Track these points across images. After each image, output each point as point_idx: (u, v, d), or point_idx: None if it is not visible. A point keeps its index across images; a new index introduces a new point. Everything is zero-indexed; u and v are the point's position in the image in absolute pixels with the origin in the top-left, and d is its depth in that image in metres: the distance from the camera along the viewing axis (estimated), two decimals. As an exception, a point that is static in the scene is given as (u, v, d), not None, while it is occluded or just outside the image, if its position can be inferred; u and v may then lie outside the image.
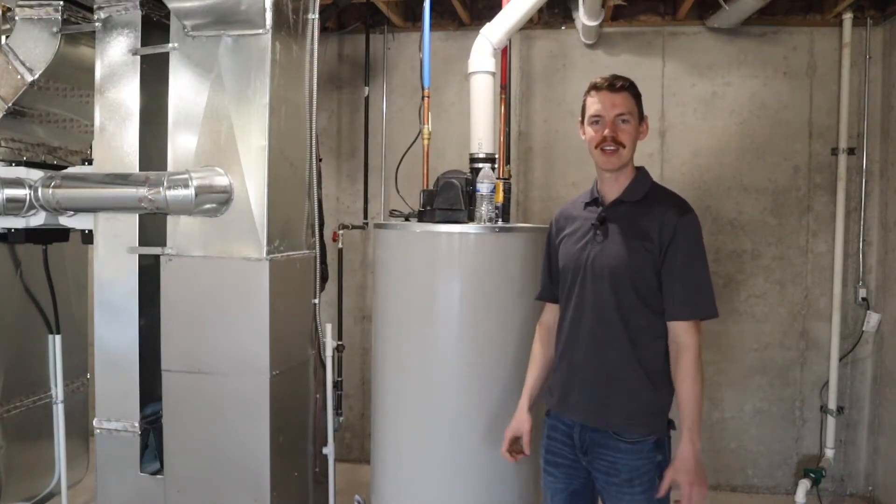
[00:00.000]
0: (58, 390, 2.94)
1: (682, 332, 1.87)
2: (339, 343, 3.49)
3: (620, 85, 1.88)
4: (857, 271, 3.82)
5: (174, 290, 2.36)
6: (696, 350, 1.91)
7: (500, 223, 2.59)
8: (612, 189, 1.94)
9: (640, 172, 1.97)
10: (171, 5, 2.25)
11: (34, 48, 2.53)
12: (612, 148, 1.86)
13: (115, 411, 2.47)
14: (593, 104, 1.90)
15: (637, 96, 1.91)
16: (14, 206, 2.44)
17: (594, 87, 1.91)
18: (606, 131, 1.86)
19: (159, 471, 2.47)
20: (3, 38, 2.61)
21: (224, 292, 2.32)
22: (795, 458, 3.92)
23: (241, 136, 2.29)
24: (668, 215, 1.86)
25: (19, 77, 2.52)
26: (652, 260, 1.84)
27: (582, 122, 1.96)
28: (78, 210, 2.49)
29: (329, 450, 2.64)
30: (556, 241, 2.05)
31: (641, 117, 1.92)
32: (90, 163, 2.53)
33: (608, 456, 1.88)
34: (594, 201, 1.98)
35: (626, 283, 1.85)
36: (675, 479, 1.79)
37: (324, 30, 4.02)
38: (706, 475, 1.82)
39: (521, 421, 2.09)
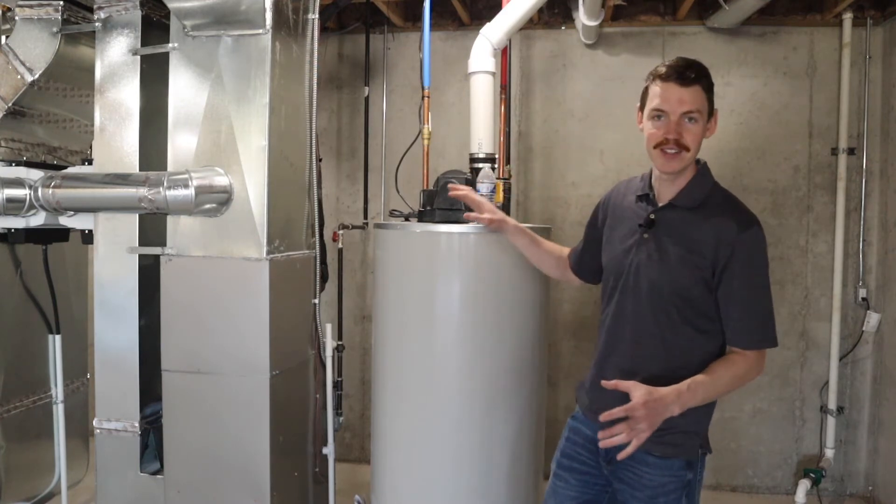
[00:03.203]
0: (58, 390, 2.94)
1: (742, 356, 1.69)
2: (339, 343, 3.49)
3: (693, 76, 1.64)
4: (857, 271, 3.82)
5: (174, 290, 2.36)
6: (749, 370, 1.68)
7: (500, 223, 2.58)
8: (668, 189, 1.74)
9: (700, 172, 1.75)
10: (171, 5, 2.25)
11: (34, 48, 2.52)
12: (674, 151, 1.65)
13: (115, 411, 2.47)
14: (657, 96, 1.66)
15: (709, 89, 1.68)
16: (14, 206, 2.44)
17: (659, 76, 1.68)
18: (670, 134, 1.65)
19: (159, 471, 2.47)
20: (3, 38, 2.61)
21: (224, 292, 2.32)
22: (795, 458, 3.92)
23: (241, 136, 2.29)
24: (727, 229, 1.64)
25: (19, 77, 2.52)
26: (702, 277, 1.64)
27: (641, 109, 1.73)
28: (78, 210, 2.49)
29: (329, 450, 2.64)
30: (601, 228, 1.89)
31: (711, 112, 1.70)
32: (90, 163, 2.53)
33: (635, 468, 1.73)
34: (646, 196, 1.77)
35: (669, 299, 1.67)
36: (638, 404, 1.54)
37: (324, 30, 4.02)
38: (655, 425, 1.58)
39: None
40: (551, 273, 2.19)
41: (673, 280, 1.67)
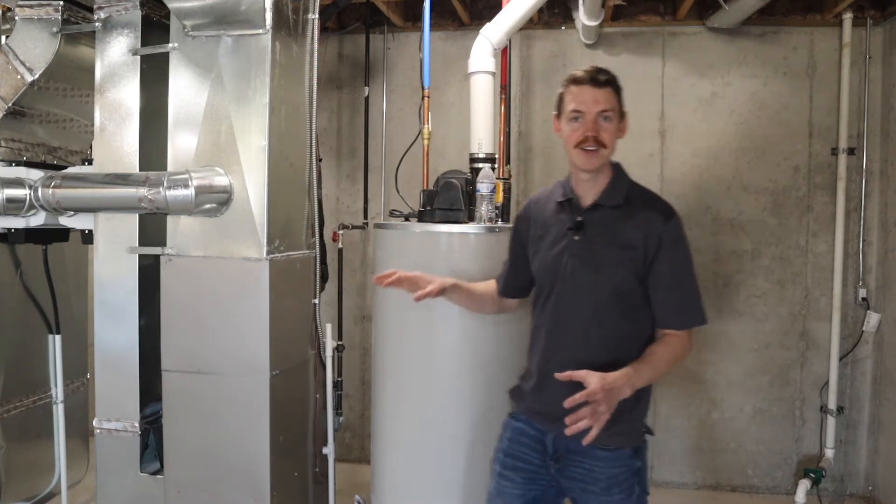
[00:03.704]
0: (58, 390, 2.94)
1: (676, 336, 1.79)
2: (339, 343, 3.49)
3: (605, 79, 1.76)
4: (857, 271, 3.82)
5: (174, 290, 2.36)
6: (682, 349, 1.79)
7: (500, 223, 2.59)
8: (590, 191, 1.83)
9: (617, 172, 1.86)
10: (171, 5, 2.25)
11: (34, 48, 2.52)
12: (593, 148, 1.75)
13: (115, 411, 2.47)
14: (573, 99, 1.77)
15: (619, 91, 1.79)
16: (14, 206, 2.44)
17: (574, 81, 1.78)
18: (589, 131, 1.75)
19: (159, 471, 2.47)
20: (3, 38, 2.61)
21: (224, 292, 2.32)
22: (795, 458, 3.92)
23: (241, 136, 2.29)
24: (653, 222, 1.76)
25: (19, 77, 2.52)
26: (635, 269, 1.75)
27: (558, 116, 1.84)
28: (78, 210, 2.49)
29: (329, 450, 2.64)
30: (527, 241, 1.95)
31: (622, 114, 1.81)
32: (90, 163, 2.53)
33: (584, 463, 1.80)
34: (568, 202, 1.86)
35: (608, 296, 1.76)
36: (597, 388, 1.60)
37: (324, 30, 4.02)
38: (613, 407, 1.64)
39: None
40: (492, 310, 2.15)
41: (608, 277, 1.77)
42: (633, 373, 1.68)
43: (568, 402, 1.61)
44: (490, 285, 2.11)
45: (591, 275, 1.77)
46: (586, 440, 1.61)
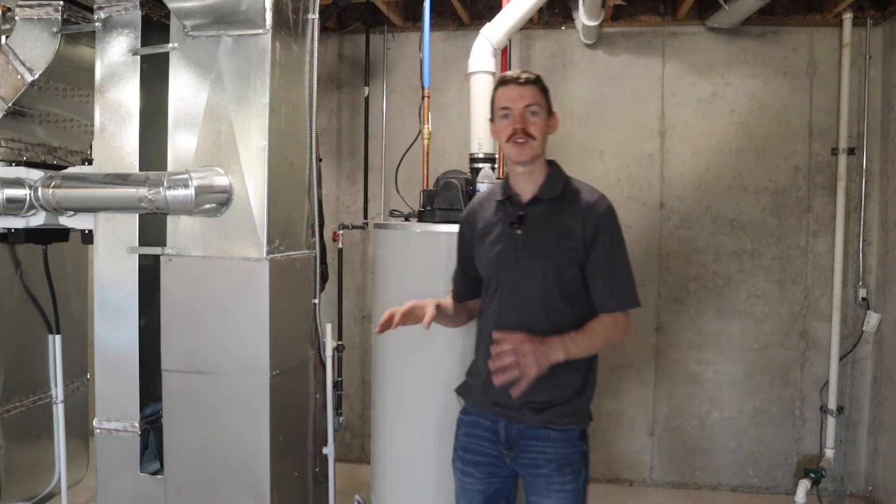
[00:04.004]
0: (58, 390, 2.94)
1: (612, 316, 1.87)
2: (339, 343, 3.49)
3: (527, 78, 1.88)
4: (857, 271, 3.82)
5: (174, 290, 2.36)
6: (618, 329, 1.86)
7: (500, 223, 2.58)
8: (528, 186, 1.92)
9: (554, 167, 1.96)
10: (171, 5, 2.25)
11: (34, 48, 2.52)
12: (522, 140, 1.85)
13: (115, 411, 2.47)
14: (502, 98, 1.89)
15: (544, 90, 1.91)
16: (14, 206, 2.44)
17: (502, 82, 1.91)
18: (517, 124, 1.84)
19: (159, 471, 2.47)
20: (3, 38, 2.61)
21: (224, 292, 2.32)
22: (795, 458, 3.92)
23: (241, 136, 2.29)
24: (589, 210, 1.86)
25: (19, 77, 2.52)
26: (576, 257, 1.85)
27: (493, 119, 1.94)
28: (78, 210, 2.48)
29: (329, 450, 2.63)
30: (472, 242, 2.01)
31: (550, 111, 1.92)
32: (90, 163, 2.53)
33: (537, 446, 1.87)
34: (508, 199, 1.95)
35: (552, 283, 1.85)
36: (522, 338, 1.70)
37: (324, 30, 4.02)
38: (543, 368, 1.70)
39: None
40: (464, 319, 2.15)
41: (550, 264, 1.85)
42: (569, 339, 1.77)
43: (494, 349, 1.69)
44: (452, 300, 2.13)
45: (534, 263, 1.86)
46: (515, 391, 1.69)
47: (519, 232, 1.89)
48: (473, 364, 2.04)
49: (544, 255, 1.86)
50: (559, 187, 1.91)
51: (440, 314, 1.97)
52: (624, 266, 1.88)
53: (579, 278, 1.86)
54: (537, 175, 1.92)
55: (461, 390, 2.06)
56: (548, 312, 1.85)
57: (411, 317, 1.90)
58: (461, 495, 2.00)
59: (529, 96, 1.86)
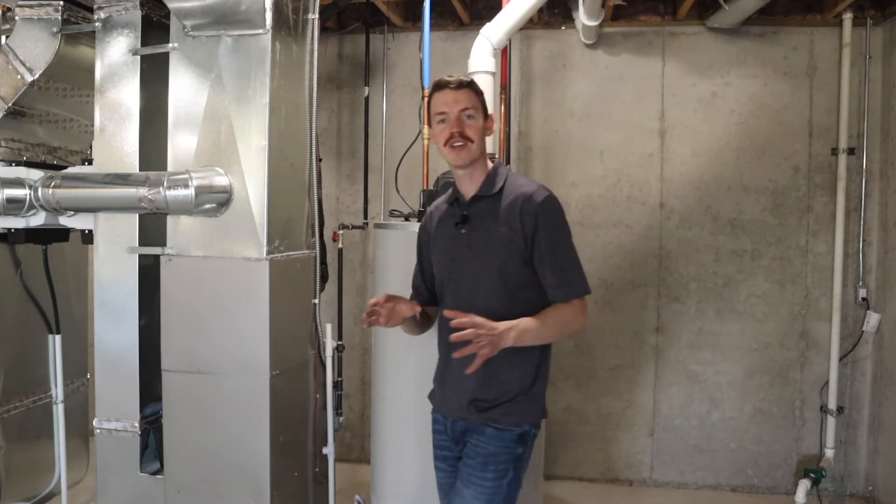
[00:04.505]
0: (58, 390, 2.94)
1: (567, 304, 1.88)
2: (339, 343, 3.49)
3: (460, 82, 1.90)
4: (857, 271, 3.82)
5: (174, 290, 2.36)
6: (572, 317, 1.87)
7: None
8: (470, 187, 1.95)
9: (496, 166, 1.98)
10: (171, 5, 2.25)
11: (34, 48, 2.52)
12: (460, 143, 1.87)
13: (115, 411, 2.47)
14: (437, 103, 1.91)
15: (479, 93, 1.93)
16: (14, 206, 2.44)
17: (436, 87, 1.92)
18: (454, 128, 1.86)
19: (159, 471, 2.47)
20: (3, 38, 2.61)
21: (224, 292, 2.32)
22: (795, 458, 3.92)
23: (241, 136, 2.29)
24: (527, 203, 1.87)
25: (19, 77, 2.52)
26: (518, 251, 1.86)
27: (430, 124, 1.96)
28: (78, 210, 2.49)
29: (329, 450, 2.63)
30: (428, 244, 2.07)
31: (486, 114, 1.95)
32: (90, 163, 2.53)
33: (473, 440, 1.92)
34: (455, 201, 1.99)
35: (496, 279, 1.87)
36: (478, 319, 1.71)
37: (324, 30, 4.02)
38: (497, 348, 1.73)
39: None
40: (428, 327, 2.16)
41: (494, 262, 1.88)
42: (521, 324, 1.78)
43: (454, 323, 1.72)
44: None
45: (478, 261, 1.89)
46: (469, 369, 1.72)
47: (463, 231, 1.93)
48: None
49: (486, 252, 1.89)
50: (499, 184, 1.93)
51: (408, 320, 2.00)
52: (568, 255, 1.89)
53: (526, 273, 1.87)
54: (478, 175, 1.94)
55: (430, 394, 2.11)
56: (494, 309, 1.84)
57: (393, 316, 1.92)
58: (439, 489, 2.08)
59: (465, 100, 1.88)
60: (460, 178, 1.96)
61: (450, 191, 2.06)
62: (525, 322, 1.79)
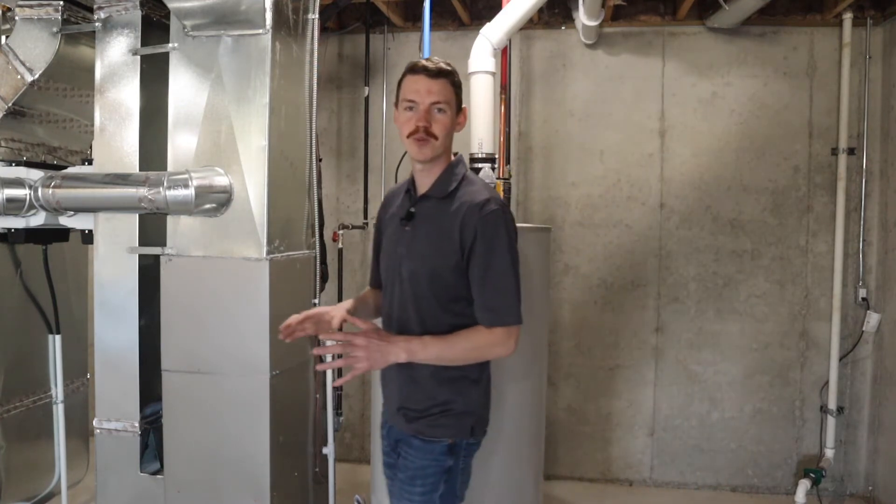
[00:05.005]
0: (58, 390, 2.94)
1: (487, 329, 1.74)
2: (339, 343, 3.48)
3: (440, 71, 1.74)
4: (857, 271, 3.82)
5: (174, 290, 2.36)
6: (489, 343, 1.71)
7: (500, 223, 2.58)
8: (424, 181, 1.82)
9: (453, 163, 1.83)
10: (171, 5, 2.25)
11: (34, 48, 2.52)
12: (423, 138, 1.73)
13: (115, 411, 2.47)
14: (409, 88, 1.76)
15: (457, 85, 1.78)
16: (14, 206, 2.44)
17: (412, 70, 1.77)
18: (420, 122, 1.73)
19: (159, 471, 2.47)
20: (3, 38, 2.61)
21: (224, 292, 2.32)
22: (795, 458, 3.92)
23: (241, 136, 2.29)
24: (470, 214, 1.71)
25: (19, 77, 2.52)
26: (454, 262, 1.72)
27: (397, 104, 1.81)
28: (78, 210, 2.49)
29: (329, 450, 2.63)
30: (382, 228, 1.95)
31: (459, 108, 1.80)
32: (90, 163, 2.53)
33: (403, 451, 1.83)
34: (408, 193, 1.87)
35: (426, 287, 1.74)
36: (358, 334, 1.64)
37: (324, 30, 4.02)
38: (378, 366, 1.67)
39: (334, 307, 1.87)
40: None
41: (427, 267, 1.75)
42: (418, 342, 1.67)
43: (323, 336, 1.67)
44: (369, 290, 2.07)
45: (413, 264, 1.77)
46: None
47: (407, 229, 1.81)
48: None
49: (422, 257, 1.76)
50: (451, 185, 1.78)
51: (361, 308, 1.90)
52: (503, 277, 1.70)
53: (461, 286, 1.73)
54: (435, 171, 1.81)
55: None
56: (421, 317, 1.75)
57: (321, 324, 1.80)
58: (390, 496, 1.97)
59: (438, 92, 1.73)
60: (418, 171, 1.83)
61: (410, 178, 1.92)
62: (425, 340, 1.68)
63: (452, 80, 1.77)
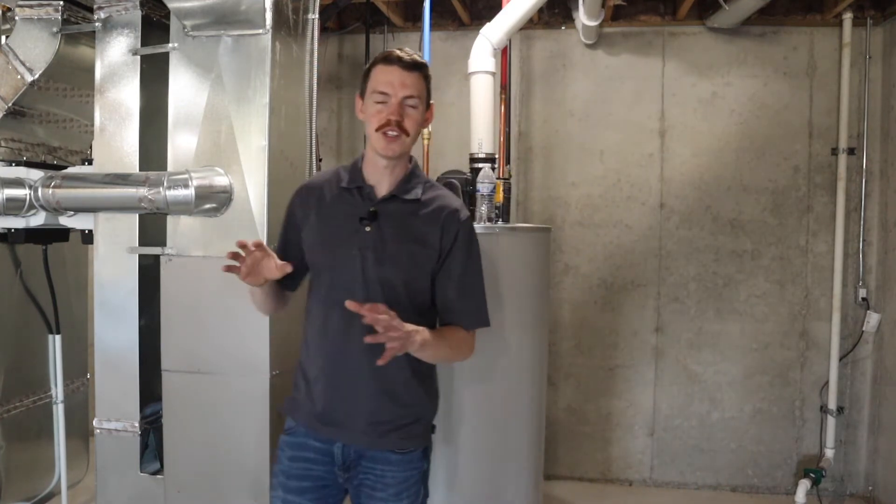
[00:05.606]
0: (58, 390, 2.94)
1: (459, 330, 1.75)
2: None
3: (414, 63, 1.67)
4: (857, 271, 3.82)
5: (174, 290, 2.36)
6: (466, 346, 1.75)
7: (500, 223, 2.59)
8: (385, 180, 1.72)
9: (416, 166, 1.78)
10: (170, 5, 2.25)
11: (34, 48, 2.52)
12: (395, 133, 1.65)
13: (115, 411, 2.47)
14: (380, 80, 1.66)
15: (428, 78, 1.72)
16: (14, 206, 2.43)
17: (386, 60, 1.67)
18: (393, 115, 1.65)
19: (159, 471, 2.47)
20: (3, 38, 2.61)
21: (224, 292, 2.32)
22: (795, 458, 3.92)
23: (241, 136, 2.29)
24: (450, 219, 1.71)
25: (19, 77, 2.52)
26: (430, 268, 1.70)
27: (362, 95, 1.72)
28: (78, 210, 2.48)
29: (329, 450, 2.63)
30: (302, 228, 1.79)
31: (429, 103, 1.73)
32: (90, 163, 2.53)
33: (376, 469, 1.72)
34: (358, 190, 1.73)
35: (402, 293, 1.68)
36: (392, 315, 1.51)
37: (324, 30, 4.02)
38: (404, 349, 1.54)
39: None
40: (279, 310, 1.92)
41: (402, 272, 1.69)
42: (426, 334, 1.60)
43: (362, 309, 1.48)
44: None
45: (383, 269, 1.68)
46: (381, 361, 1.50)
47: (368, 230, 1.69)
48: (300, 374, 1.80)
49: (395, 262, 1.68)
50: (419, 189, 1.73)
51: (269, 285, 1.73)
52: (481, 282, 1.76)
53: (429, 290, 1.72)
54: (398, 170, 1.73)
55: (288, 407, 1.83)
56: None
57: (255, 272, 1.64)
58: None
59: (412, 85, 1.66)
60: (378, 168, 1.71)
61: (340, 171, 1.79)
62: (429, 333, 1.62)
63: (425, 74, 1.71)
